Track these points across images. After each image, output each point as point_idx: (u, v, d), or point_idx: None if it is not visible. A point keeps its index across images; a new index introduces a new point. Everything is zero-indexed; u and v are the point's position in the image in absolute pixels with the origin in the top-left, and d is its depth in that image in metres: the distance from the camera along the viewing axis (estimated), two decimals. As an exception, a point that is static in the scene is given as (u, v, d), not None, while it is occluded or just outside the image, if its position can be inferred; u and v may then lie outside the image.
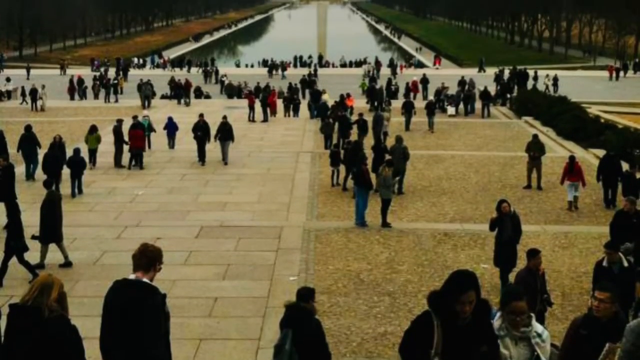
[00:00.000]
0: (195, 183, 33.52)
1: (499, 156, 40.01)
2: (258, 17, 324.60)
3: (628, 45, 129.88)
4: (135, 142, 36.45)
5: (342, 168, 32.86)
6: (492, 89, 63.00)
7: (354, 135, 40.88)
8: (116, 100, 65.89)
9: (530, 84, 74.74)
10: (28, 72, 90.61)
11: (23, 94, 64.88)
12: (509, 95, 62.80)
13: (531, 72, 79.77)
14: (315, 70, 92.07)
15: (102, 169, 35.98)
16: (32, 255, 21.07)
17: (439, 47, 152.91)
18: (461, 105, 56.86)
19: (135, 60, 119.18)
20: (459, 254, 23.70)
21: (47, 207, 21.82)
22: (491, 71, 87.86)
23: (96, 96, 70.06)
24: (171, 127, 41.43)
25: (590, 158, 38.36)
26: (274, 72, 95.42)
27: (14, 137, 37.34)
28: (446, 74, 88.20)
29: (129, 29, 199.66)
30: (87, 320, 13.53)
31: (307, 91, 67.16)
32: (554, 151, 40.42)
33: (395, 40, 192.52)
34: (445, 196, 31.47)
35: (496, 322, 8.56)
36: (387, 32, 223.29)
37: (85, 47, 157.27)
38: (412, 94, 66.27)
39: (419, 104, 54.53)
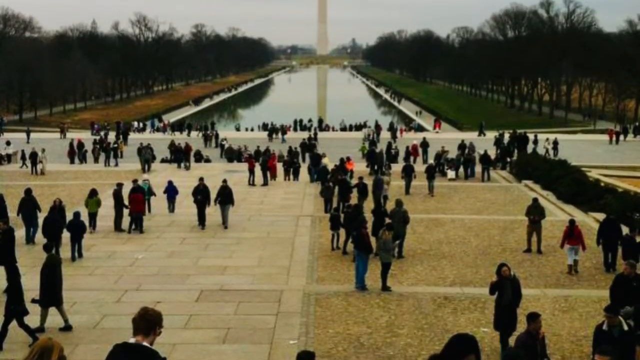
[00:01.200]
0: (195, 247, 33.52)
1: (499, 220, 40.03)
2: (258, 81, 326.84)
3: (628, 108, 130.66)
4: (135, 205, 36.49)
5: (342, 232, 32.88)
6: (492, 153, 63.12)
7: (354, 199, 40.91)
8: (116, 164, 66.08)
9: (530, 147, 74.96)
10: (28, 135, 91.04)
11: (23, 158, 65.11)
12: (509, 159, 63.02)
13: (531, 136, 79.99)
14: (315, 134, 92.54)
15: (102, 232, 35.98)
16: (32, 318, 21.03)
17: (439, 111, 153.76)
18: (461, 169, 56.96)
19: (135, 124, 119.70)
20: (459, 317, 23.66)
21: (47, 270, 21.82)
22: (491, 135, 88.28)
23: (96, 160, 70.28)
24: (171, 191, 41.49)
25: (590, 222, 38.36)
26: (274, 135, 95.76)
27: (14, 200, 37.45)
28: (446, 138, 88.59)
29: (129, 93, 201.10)
30: (86, 384, 13.50)
31: (307, 155, 67.40)
32: (554, 215, 40.44)
33: (395, 103, 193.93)
34: (445, 260, 31.46)
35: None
36: (387, 96, 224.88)
37: (85, 110, 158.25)
38: (412, 158, 66.48)
39: (419, 167, 54.67)
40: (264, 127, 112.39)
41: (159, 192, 42.12)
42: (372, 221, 32.00)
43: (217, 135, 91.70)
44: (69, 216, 32.50)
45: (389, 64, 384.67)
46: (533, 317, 16.56)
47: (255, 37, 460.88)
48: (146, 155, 60.89)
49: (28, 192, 35.38)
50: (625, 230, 30.82)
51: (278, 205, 44.55)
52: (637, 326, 17.58)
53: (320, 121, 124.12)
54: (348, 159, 54.19)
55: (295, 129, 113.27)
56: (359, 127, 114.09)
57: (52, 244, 25.65)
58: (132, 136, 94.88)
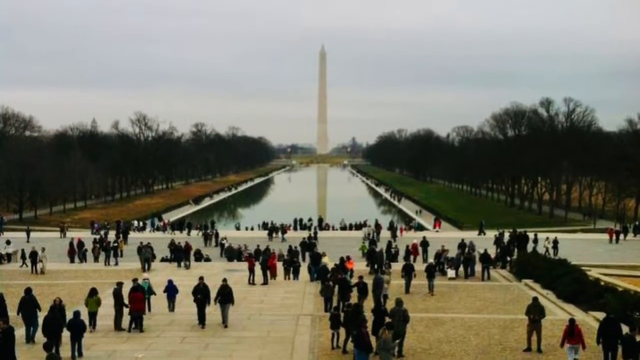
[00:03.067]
0: (195, 346, 33.42)
1: (499, 319, 39.93)
2: (258, 180, 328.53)
3: (628, 207, 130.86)
4: (135, 304, 36.46)
5: (342, 331, 32.83)
6: (492, 252, 63.19)
7: (354, 298, 40.92)
8: (116, 263, 66.08)
9: (530, 246, 74.93)
10: (28, 234, 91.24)
11: (23, 257, 65.21)
12: (509, 258, 62.99)
13: (531, 235, 79.93)
14: (315, 233, 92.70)
15: (102, 331, 35.89)
16: (31, 419, 20.97)
17: (438, 210, 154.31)
18: (461, 268, 56.97)
19: (135, 223, 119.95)
20: (460, 418, 23.57)
21: (47, 370, 21.82)
22: (491, 234, 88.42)
23: (96, 259, 70.22)
24: (171, 290, 41.47)
25: (590, 321, 38.32)
26: (274, 234, 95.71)
27: (14, 300, 37.47)
28: (446, 237, 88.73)
29: (129, 192, 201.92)
30: None
31: (307, 254, 67.44)
32: (554, 314, 40.42)
33: (395, 202, 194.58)
34: (446, 359, 31.37)
35: None
36: (387, 195, 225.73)
37: (86, 209, 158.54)
38: (412, 257, 66.44)
39: (419, 266, 54.75)
40: (264, 226, 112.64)
41: (159, 291, 42.16)
42: (372, 320, 32.04)
43: (217, 234, 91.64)
44: (69, 315, 32.43)
45: (389, 163, 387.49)
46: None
47: (256, 136, 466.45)
48: (146, 254, 60.96)
49: (28, 291, 35.37)
50: (625, 329, 30.78)
51: (278, 304, 44.49)
52: None
53: (320, 220, 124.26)
54: (348, 258, 54.32)
55: (295, 228, 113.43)
56: (358, 226, 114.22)
57: (52, 343, 25.70)
58: (132, 235, 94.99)
